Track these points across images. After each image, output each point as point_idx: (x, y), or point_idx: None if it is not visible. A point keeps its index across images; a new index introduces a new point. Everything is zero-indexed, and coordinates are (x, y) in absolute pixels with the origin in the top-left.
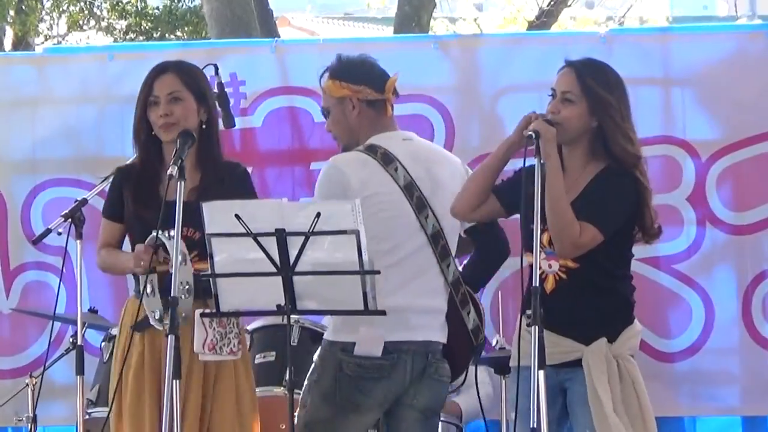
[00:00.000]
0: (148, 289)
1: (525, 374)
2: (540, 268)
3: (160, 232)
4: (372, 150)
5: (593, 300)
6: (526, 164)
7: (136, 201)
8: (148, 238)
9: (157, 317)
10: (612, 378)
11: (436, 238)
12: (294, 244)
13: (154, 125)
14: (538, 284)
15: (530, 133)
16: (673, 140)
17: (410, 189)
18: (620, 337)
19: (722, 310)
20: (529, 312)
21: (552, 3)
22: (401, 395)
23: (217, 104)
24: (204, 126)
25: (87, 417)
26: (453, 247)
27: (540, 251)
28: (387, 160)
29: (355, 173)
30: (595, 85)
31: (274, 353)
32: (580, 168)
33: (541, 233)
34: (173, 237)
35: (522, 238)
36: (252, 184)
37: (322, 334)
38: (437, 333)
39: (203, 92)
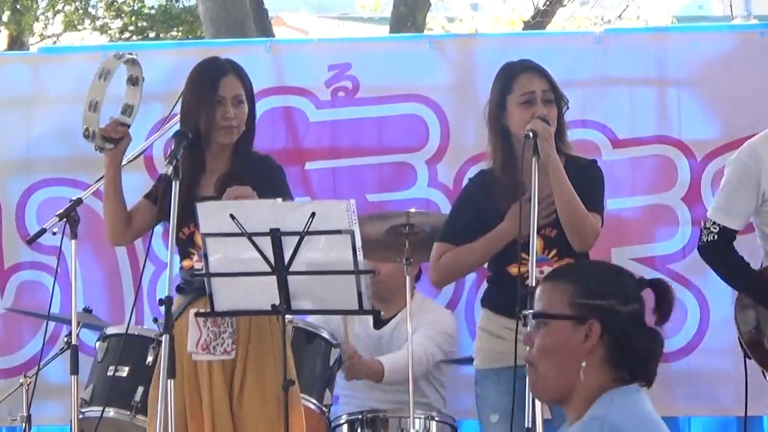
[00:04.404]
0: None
1: (505, 375)
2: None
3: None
4: None
5: None
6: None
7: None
8: None
9: (85, 133)
10: None
11: None
12: (289, 244)
13: (213, 125)
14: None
15: (528, 132)
16: (668, 140)
17: None
18: None
19: (717, 310)
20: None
21: (547, 2)
22: None
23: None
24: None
25: (81, 416)
26: None
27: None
28: None
29: None
30: (556, 84)
31: None
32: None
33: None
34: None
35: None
36: (284, 177)
37: (316, 334)
38: None
39: (253, 94)
